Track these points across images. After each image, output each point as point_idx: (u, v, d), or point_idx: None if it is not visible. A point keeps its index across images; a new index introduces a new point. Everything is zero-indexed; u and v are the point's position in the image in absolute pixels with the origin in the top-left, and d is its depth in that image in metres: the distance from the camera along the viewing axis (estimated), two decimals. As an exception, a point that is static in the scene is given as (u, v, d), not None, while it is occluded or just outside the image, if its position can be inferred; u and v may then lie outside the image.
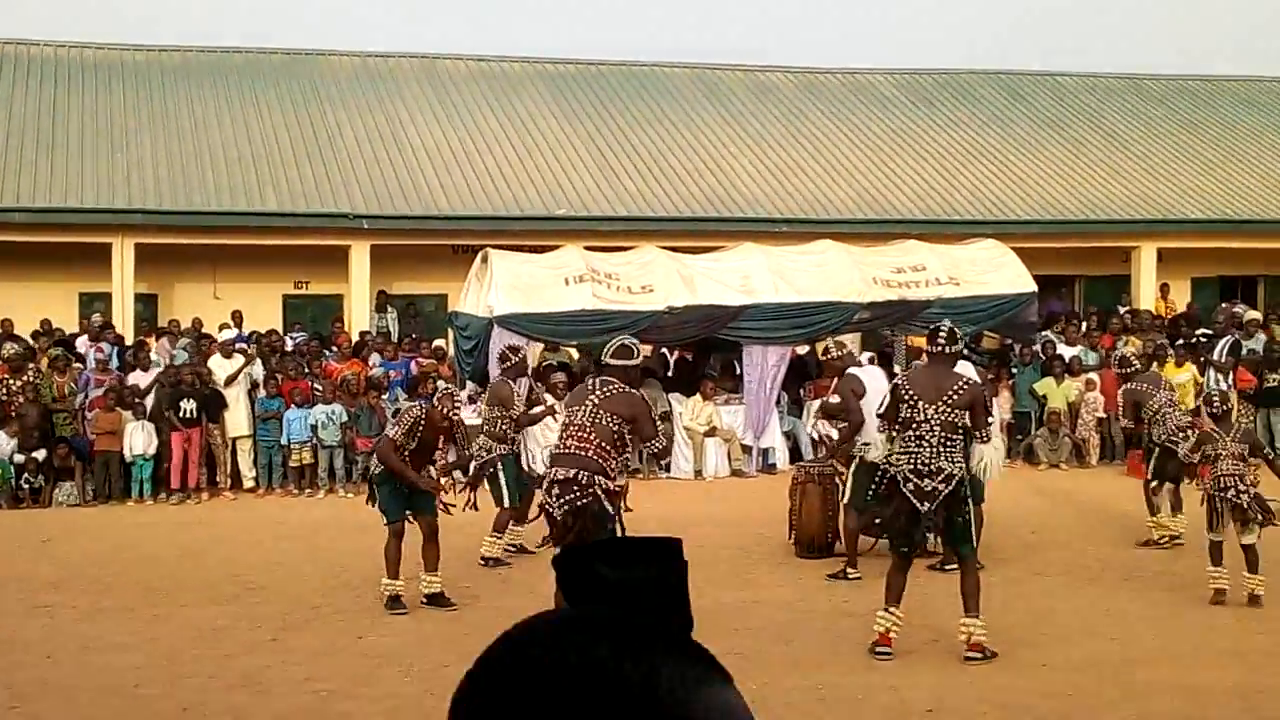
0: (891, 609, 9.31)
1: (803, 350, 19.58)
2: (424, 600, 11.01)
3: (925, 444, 9.15)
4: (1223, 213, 24.95)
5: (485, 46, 29.19)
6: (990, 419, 9.60)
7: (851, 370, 12.58)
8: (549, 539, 9.54)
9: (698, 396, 18.57)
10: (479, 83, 27.26)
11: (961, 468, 9.20)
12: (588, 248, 19.54)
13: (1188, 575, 11.06)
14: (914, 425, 9.17)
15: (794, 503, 13.06)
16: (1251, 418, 18.55)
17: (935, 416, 9.14)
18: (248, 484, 17.59)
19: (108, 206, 21.47)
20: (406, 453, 10.82)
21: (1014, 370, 19.41)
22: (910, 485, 9.18)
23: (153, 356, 18.32)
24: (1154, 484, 13.18)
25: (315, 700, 8.51)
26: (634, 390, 9.33)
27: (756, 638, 9.96)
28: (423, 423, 10.87)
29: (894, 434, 9.41)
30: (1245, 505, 10.66)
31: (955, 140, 26.85)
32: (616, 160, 24.52)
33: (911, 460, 9.17)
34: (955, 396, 9.14)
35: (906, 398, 9.25)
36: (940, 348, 9.33)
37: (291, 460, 17.47)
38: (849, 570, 11.83)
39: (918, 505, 9.16)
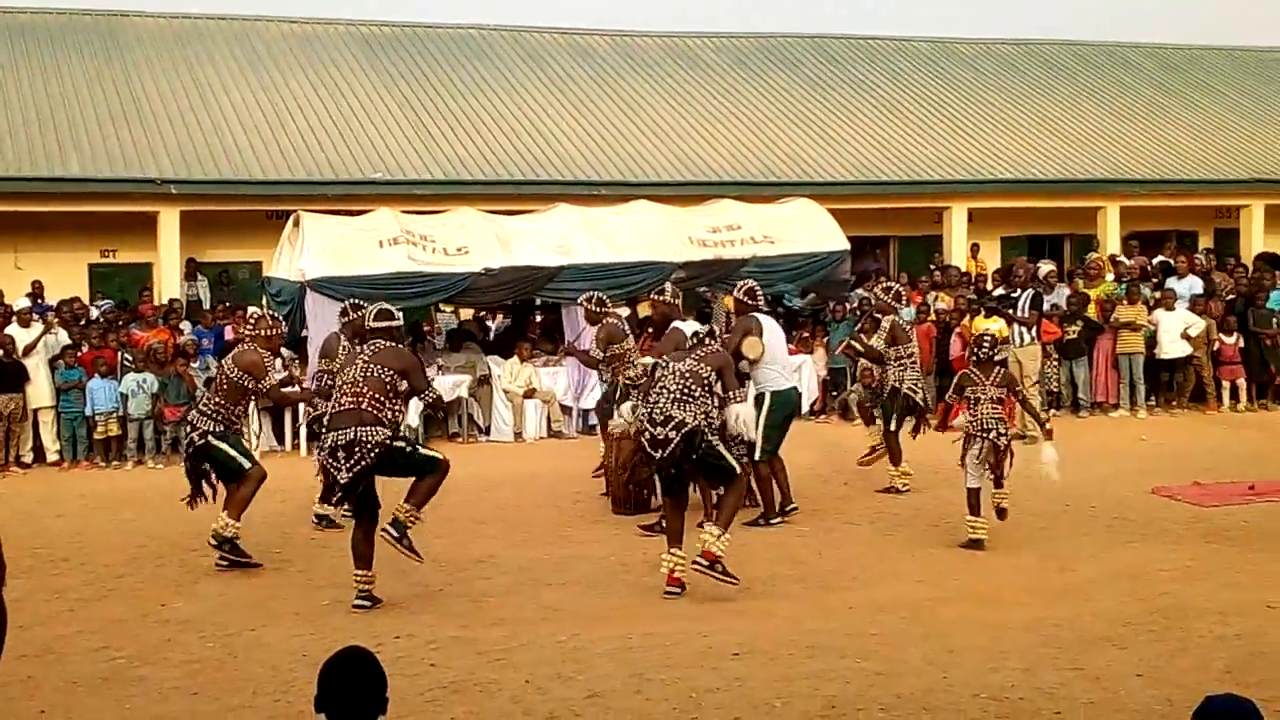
0: (674, 550, 9.65)
1: (624, 311, 19.58)
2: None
3: (664, 391, 9.54)
4: (1030, 173, 25.56)
5: (297, 9, 28.47)
6: (743, 385, 10.22)
7: (677, 323, 12.61)
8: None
9: (515, 359, 18.46)
10: (291, 45, 26.68)
11: (699, 420, 9.43)
12: (405, 212, 19.28)
13: (994, 522, 11.29)
14: (660, 376, 9.64)
15: (609, 459, 13.05)
16: (1057, 369, 19.13)
17: (679, 367, 9.58)
18: (51, 457, 17.01)
19: (-103, 173, 20.55)
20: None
21: (828, 327, 19.67)
22: (646, 434, 9.55)
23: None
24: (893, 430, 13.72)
25: (111, 667, 8.26)
26: (402, 345, 9.77)
27: (569, 591, 9.97)
28: (268, 359, 11.17)
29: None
30: (1005, 446, 11.00)
31: (772, 103, 27.06)
32: (433, 123, 24.22)
33: (649, 408, 9.58)
34: (704, 353, 9.67)
35: (663, 360, 9.87)
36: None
37: (97, 432, 16.92)
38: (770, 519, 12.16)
39: (651, 453, 9.47)
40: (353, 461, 9.16)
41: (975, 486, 11.11)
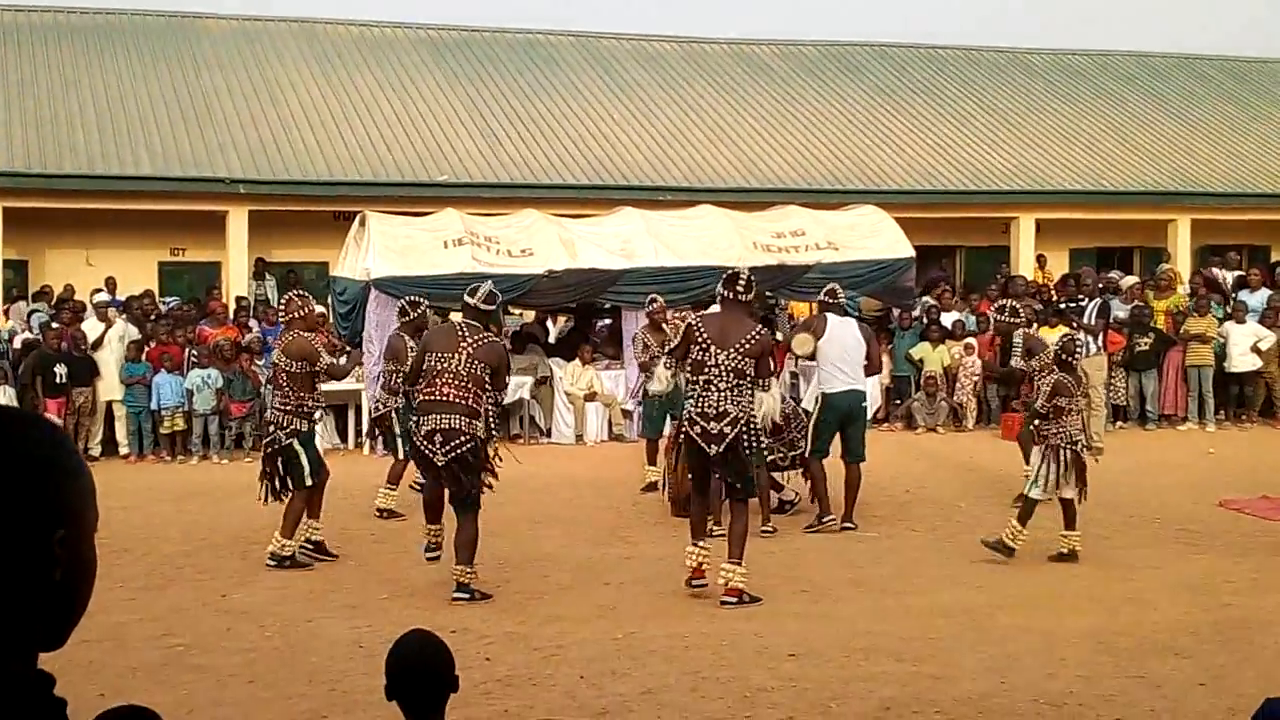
0: (699, 543, 9.63)
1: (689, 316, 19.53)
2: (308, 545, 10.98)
3: (714, 389, 9.40)
4: (1100, 185, 25.31)
5: (366, 11, 28.70)
6: (773, 370, 9.87)
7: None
8: (421, 485, 9.96)
9: (577, 361, 18.49)
10: (360, 47, 26.90)
11: (747, 413, 9.38)
12: (470, 214, 19.35)
13: (1054, 530, 11.16)
14: (705, 370, 9.44)
15: (669, 462, 13.00)
16: (1125, 380, 18.93)
17: (725, 362, 9.38)
18: (123, 450, 17.20)
19: (-27, 169, 20.88)
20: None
21: (893, 334, 19.56)
22: (698, 428, 9.45)
23: (11, 324, 17.92)
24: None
25: (170, 654, 8.34)
26: (499, 340, 9.93)
27: (626, 590, 9.97)
28: (314, 340, 11.17)
29: (682, 372, 9.75)
30: (1085, 460, 10.75)
31: (839, 111, 26.97)
32: (500, 126, 24.32)
33: (699, 404, 9.46)
34: (746, 345, 9.38)
35: (699, 339, 9.46)
36: (737, 295, 9.52)
37: (163, 427, 17.10)
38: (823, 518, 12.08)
39: (705, 448, 9.41)
40: (449, 447, 9.46)
41: (1042, 499, 10.78)
